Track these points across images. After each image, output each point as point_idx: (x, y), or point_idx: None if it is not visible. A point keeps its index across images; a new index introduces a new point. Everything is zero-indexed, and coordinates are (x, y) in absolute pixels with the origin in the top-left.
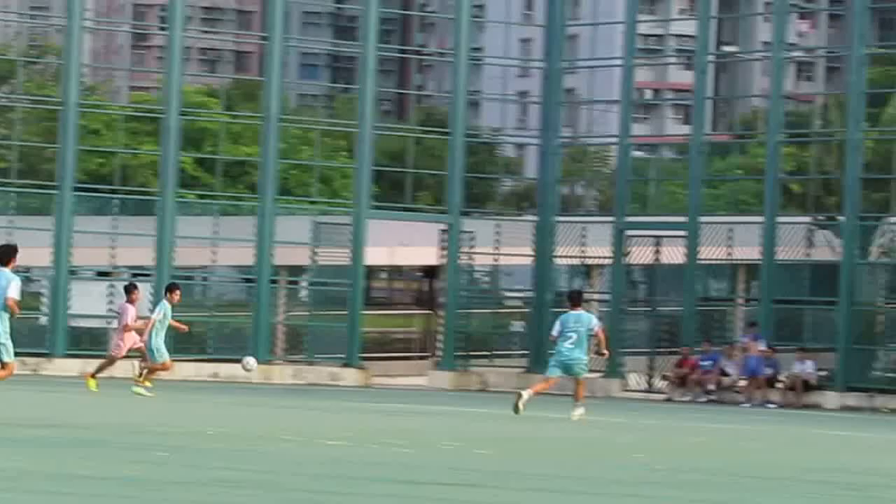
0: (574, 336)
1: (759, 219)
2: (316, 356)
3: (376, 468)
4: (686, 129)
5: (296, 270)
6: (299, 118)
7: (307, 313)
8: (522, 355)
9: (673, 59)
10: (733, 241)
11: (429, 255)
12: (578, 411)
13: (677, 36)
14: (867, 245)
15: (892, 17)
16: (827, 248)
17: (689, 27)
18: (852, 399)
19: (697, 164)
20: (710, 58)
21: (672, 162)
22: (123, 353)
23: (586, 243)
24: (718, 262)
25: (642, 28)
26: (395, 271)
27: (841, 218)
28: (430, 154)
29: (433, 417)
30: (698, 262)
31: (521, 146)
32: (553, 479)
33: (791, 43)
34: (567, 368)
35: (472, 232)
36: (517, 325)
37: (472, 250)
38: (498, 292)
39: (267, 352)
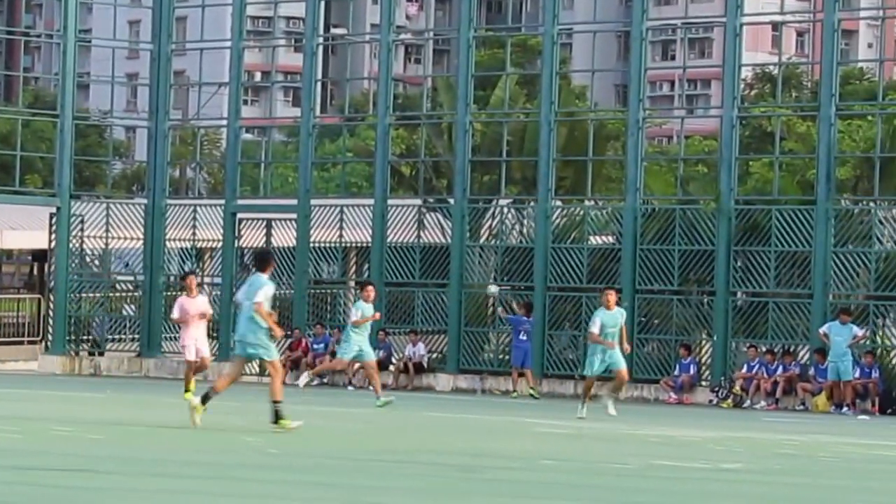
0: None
1: (370, 201)
2: None
3: None
4: (296, 112)
5: None
6: None
7: None
8: (134, 339)
9: (282, 42)
10: (344, 224)
11: (38, 238)
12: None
13: (287, 18)
14: (477, 227)
15: (499, 1)
16: (437, 231)
17: (298, 9)
18: (464, 381)
19: (307, 147)
20: (319, 40)
21: (283, 144)
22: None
23: (197, 226)
24: (330, 244)
25: (251, 10)
26: (4, 255)
27: (451, 200)
28: (39, 137)
29: (44, 402)
30: (310, 244)
31: (130, 129)
32: (166, 464)
33: (400, 26)
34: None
35: (81, 215)
36: (128, 309)
37: (83, 233)
38: (109, 276)
39: None
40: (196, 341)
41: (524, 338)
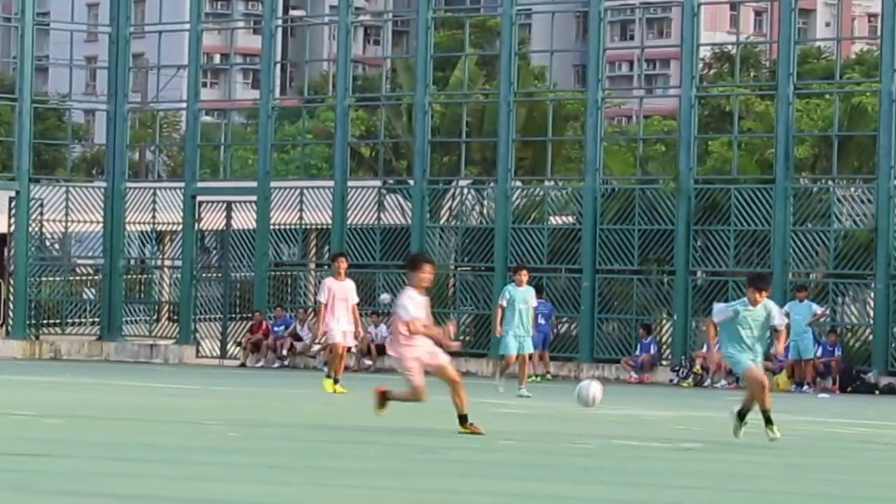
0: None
1: (330, 183)
2: None
3: None
4: (255, 94)
5: None
6: None
7: None
8: (94, 323)
9: (241, 24)
10: (304, 206)
11: None
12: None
13: (245, 0)
14: (438, 208)
15: None
16: (398, 212)
17: None
18: None
19: (267, 129)
20: (278, 22)
21: (242, 127)
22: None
23: (157, 209)
24: (290, 226)
25: None
26: None
27: (411, 181)
28: None
29: (3, 387)
30: (270, 226)
31: (89, 112)
32: (127, 448)
33: (358, 7)
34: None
35: (41, 199)
36: (88, 293)
37: (42, 217)
38: (69, 259)
39: None
40: (342, 325)
41: (542, 321)
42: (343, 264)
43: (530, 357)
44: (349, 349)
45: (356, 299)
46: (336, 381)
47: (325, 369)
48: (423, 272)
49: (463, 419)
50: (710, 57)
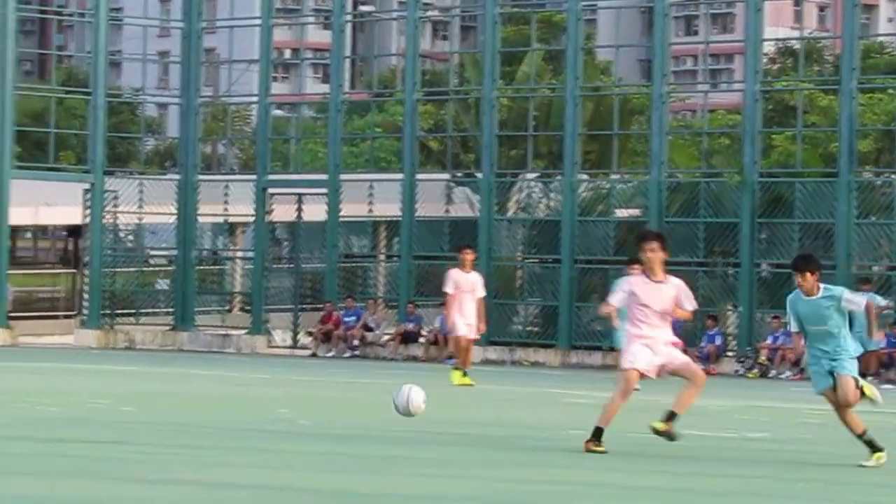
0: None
1: (399, 176)
2: None
3: (22, 427)
4: (325, 88)
5: None
6: None
7: None
8: (168, 313)
9: (311, 19)
10: (374, 198)
11: (73, 214)
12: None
13: None
14: (505, 201)
15: None
16: (465, 205)
17: None
18: (493, 353)
19: (336, 123)
20: (348, 17)
21: (312, 120)
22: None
23: (229, 201)
24: (359, 218)
25: None
26: (40, 231)
27: (479, 174)
28: (73, 114)
29: (80, 376)
30: (340, 219)
31: (162, 105)
32: (200, 436)
33: (426, 3)
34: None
35: (115, 191)
36: (162, 283)
37: (116, 209)
38: (142, 251)
39: None
40: (466, 317)
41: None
42: (469, 256)
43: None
44: (472, 341)
45: (483, 292)
46: (465, 374)
47: (452, 362)
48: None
49: (670, 417)
50: (774, 52)
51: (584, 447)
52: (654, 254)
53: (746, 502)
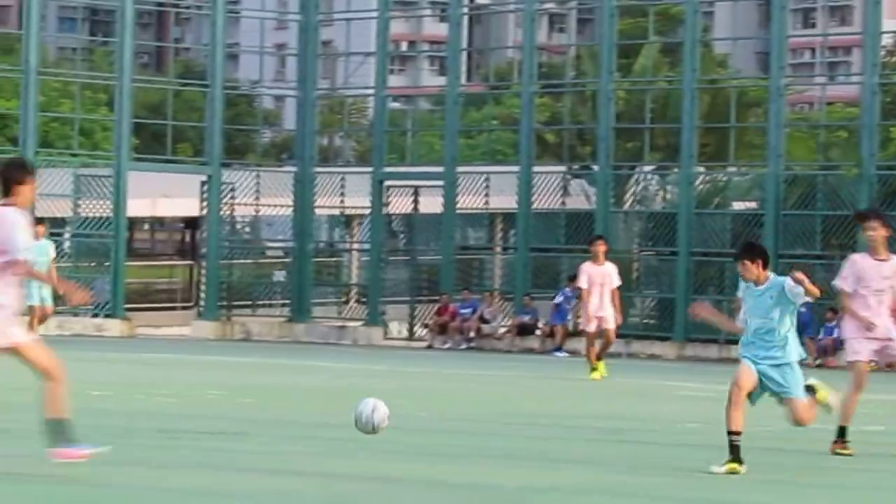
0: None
1: (515, 168)
2: (81, 307)
3: (141, 418)
4: (441, 81)
5: (58, 223)
6: (59, 71)
7: (70, 265)
8: (284, 305)
9: (428, 12)
10: (490, 191)
11: (190, 206)
12: None
13: None
14: (621, 194)
15: None
16: (582, 197)
17: None
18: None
19: (453, 115)
20: (464, 10)
21: (429, 113)
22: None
23: (345, 194)
24: (476, 211)
25: None
26: (157, 222)
27: (595, 167)
28: (190, 106)
29: (197, 367)
30: (456, 211)
31: (279, 98)
32: (317, 427)
33: None
34: None
35: (232, 183)
36: (279, 275)
37: (233, 201)
38: (259, 242)
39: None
40: (598, 312)
41: None
42: (601, 247)
43: None
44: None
45: (617, 283)
46: (594, 369)
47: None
48: None
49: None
50: (893, 44)
51: (830, 449)
52: (877, 232)
53: (869, 497)
